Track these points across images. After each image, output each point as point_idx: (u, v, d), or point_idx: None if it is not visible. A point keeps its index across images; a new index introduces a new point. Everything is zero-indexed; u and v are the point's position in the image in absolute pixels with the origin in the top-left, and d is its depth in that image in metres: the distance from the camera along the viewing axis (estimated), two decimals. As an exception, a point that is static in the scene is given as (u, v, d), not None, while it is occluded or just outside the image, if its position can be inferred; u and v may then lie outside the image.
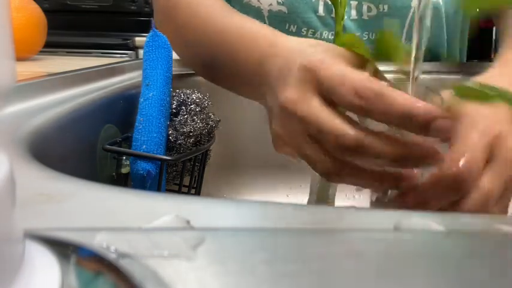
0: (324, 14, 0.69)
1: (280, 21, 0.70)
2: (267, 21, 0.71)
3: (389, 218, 0.19)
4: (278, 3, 0.69)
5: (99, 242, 0.15)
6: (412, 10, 0.67)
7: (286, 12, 0.69)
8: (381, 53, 0.34)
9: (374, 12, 0.67)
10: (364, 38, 0.71)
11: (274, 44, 0.40)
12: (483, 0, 0.27)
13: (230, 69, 0.47)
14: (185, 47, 0.55)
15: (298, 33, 0.70)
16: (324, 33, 0.70)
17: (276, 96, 0.35)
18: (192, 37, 0.53)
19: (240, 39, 0.46)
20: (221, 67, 0.49)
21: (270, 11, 0.69)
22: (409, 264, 0.16)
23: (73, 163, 0.39)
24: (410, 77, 0.32)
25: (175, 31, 0.53)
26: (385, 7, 0.67)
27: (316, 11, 0.69)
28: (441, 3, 0.70)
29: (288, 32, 0.70)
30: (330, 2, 0.67)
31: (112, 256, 0.15)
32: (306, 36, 0.70)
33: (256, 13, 0.70)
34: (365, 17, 0.68)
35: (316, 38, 0.70)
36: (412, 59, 0.31)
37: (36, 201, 0.20)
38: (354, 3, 0.67)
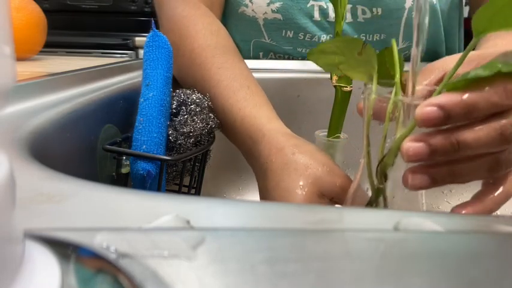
0: (319, 19, 0.69)
1: (276, 29, 0.70)
2: (263, 30, 0.71)
3: (389, 218, 0.19)
4: (273, 11, 0.69)
5: (99, 242, 0.15)
6: (406, 12, 0.67)
7: (282, 19, 0.69)
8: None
9: (368, 15, 0.67)
10: None
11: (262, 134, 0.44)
12: (493, 24, 0.28)
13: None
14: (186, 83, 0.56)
15: (295, 39, 0.70)
16: (322, 37, 0.70)
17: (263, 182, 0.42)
18: (192, 82, 0.53)
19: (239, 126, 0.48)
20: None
21: (265, 19, 0.70)
22: (408, 264, 0.16)
23: (73, 163, 0.39)
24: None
25: (177, 69, 0.53)
26: (379, 10, 0.67)
27: (311, 16, 0.69)
28: (435, 1, 0.70)
29: (285, 38, 0.71)
30: (325, 7, 0.67)
31: (112, 256, 0.15)
32: (303, 40, 0.70)
33: (251, 23, 0.70)
34: (360, 19, 0.68)
35: (314, 42, 0.70)
36: (412, 59, 0.31)
37: (36, 201, 0.20)
38: (348, 7, 0.67)
